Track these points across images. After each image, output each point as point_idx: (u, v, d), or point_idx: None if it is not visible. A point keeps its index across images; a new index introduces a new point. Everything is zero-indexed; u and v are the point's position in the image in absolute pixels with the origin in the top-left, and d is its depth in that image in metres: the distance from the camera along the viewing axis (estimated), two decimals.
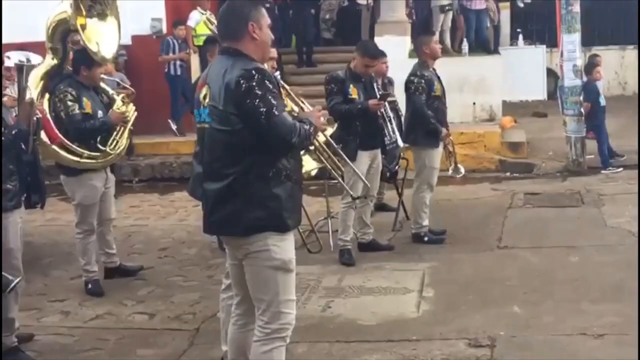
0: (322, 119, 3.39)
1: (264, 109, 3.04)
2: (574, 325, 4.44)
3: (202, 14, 11.32)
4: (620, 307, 4.70)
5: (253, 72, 3.07)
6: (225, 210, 3.18)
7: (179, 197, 9.15)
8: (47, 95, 5.37)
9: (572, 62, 9.44)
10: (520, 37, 15.09)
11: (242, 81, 3.05)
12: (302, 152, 3.48)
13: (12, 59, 4.42)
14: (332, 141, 3.69)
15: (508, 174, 9.68)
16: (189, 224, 7.71)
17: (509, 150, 10.28)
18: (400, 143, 6.57)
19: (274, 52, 5.47)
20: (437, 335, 4.45)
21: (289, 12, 13.29)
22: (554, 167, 9.66)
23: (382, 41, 11.08)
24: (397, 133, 6.62)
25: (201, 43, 11.25)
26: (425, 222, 6.51)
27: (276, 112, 3.06)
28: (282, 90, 3.44)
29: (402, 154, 7.30)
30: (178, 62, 11.10)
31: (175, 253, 6.72)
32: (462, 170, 6.85)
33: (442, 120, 6.48)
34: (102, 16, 5.48)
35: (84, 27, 5.25)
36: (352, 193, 5.02)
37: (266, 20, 3.29)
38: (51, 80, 5.38)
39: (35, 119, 4.32)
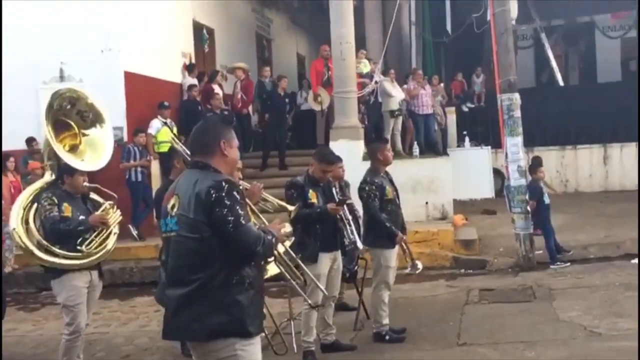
0: (282, 230, 3.61)
1: (232, 218, 3.24)
2: None
3: (163, 122, 11.75)
4: None
5: (223, 183, 3.30)
6: (188, 315, 3.30)
7: (140, 303, 9.18)
8: (35, 206, 5.64)
9: (517, 162, 9.97)
10: (467, 139, 15.69)
11: (212, 191, 3.26)
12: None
13: None
14: (291, 252, 3.93)
15: (462, 270, 9.97)
16: (150, 330, 7.72)
17: (462, 248, 10.62)
18: (360, 245, 6.79)
19: (239, 163, 5.76)
20: None
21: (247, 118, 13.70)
22: (505, 262, 9.99)
23: (337, 145, 11.61)
24: (355, 235, 6.81)
25: (162, 150, 11.62)
26: (385, 321, 6.68)
27: (243, 222, 3.27)
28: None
29: (360, 254, 7.54)
30: (139, 169, 11.32)
31: None
32: (420, 265, 7.06)
33: (396, 222, 6.75)
34: (94, 124, 5.87)
35: (77, 143, 5.71)
36: (310, 302, 5.23)
37: (235, 141, 3.57)
38: (42, 192, 5.71)
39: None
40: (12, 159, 10.82)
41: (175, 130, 11.73)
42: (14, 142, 10.83)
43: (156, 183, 11.93)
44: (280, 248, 3.77)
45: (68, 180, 5.75)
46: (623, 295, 7.70)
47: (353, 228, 6.91)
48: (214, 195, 3.26)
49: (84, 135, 5.83)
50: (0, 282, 4.79)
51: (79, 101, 5.82)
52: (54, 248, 5.54)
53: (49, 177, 5.83)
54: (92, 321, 8.26)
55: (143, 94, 11.93)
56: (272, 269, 4.05)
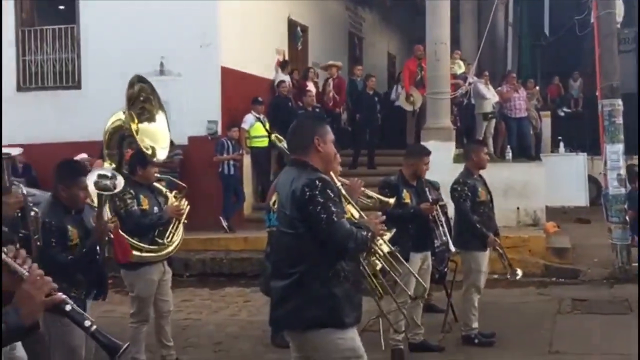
0: (380, 224, 3.66)
1: (325, 216, 3.35)
2: None
3: (257, 117, 11.95)
4: None
5: (317, 181, 3.41)
6: (287, 307, 3.45)
7: (229, 293, 9.39)
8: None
9: (616, 171, 9.66)
10: (562, 144, 15.34)
11: (306, 189, 3.38)
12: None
13: (91, 180, 4.65)
14: (390, 245, 3.95)
15: (553, 279, 9.72)
16: (241, 319, 7.91)
17: (553, 256, 10.35)
18: (452, 247, 6.75)
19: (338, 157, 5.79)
20: None
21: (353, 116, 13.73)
22: (599, 273, 9.67)
23: (427, 146, 11.49)
24: (447, 236, 6.79)
25: (254, 144, 11.85)
26: (475, 325, 6.62)
27: (335, 219, 3.37)
28: (343, 198, 3.72)
29: (450, 256, 7.47)
30: (232, 162, 11.52)
31: (229, 348, 6.89)
32: (520, 272, 6.94)
33: (488, 225, 6.67)
34: (151, 118, 5.86)
35: (137, 131, 5.67)
36: (410, 293, 5.23)
37: (330, 136, 3.66)
38: None
39: (106, 239, 4.66)
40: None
41: (267, 125, 11.92)
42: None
43: (247, 177, 12.19)
44: (381, 244, 3.80)
45: (141, 171, 5.73)
46: None
47: (445, 229, 6.87)
48: (307, 193, 3.38)
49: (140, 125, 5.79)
50: (103, 268, 4.93)
51: (150, 98, 5.84)
52: (134, 241, 5.54)
53: (108, 165, 5.72)
54: (184, 307, 8.62)
55: (238, 89, 12.16)
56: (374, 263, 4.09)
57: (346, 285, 3.46)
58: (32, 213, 4.19)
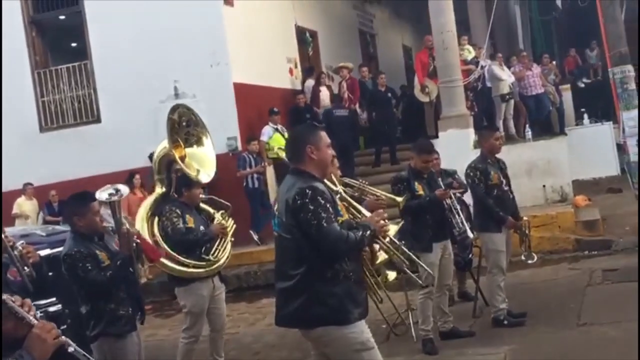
0: (382, 222, 3.80)
1: (315, 222, 3.57)
2: None
3: (274, 128, 12.08)
4: None
5: (307, 190, 3.63)
6: (292, 307, 3.68)
7: (265, 303, 9.48)
8: (156, 219, 6.00)
9: (635, 137, 9.60)
10: (585, 116, 15.14)
11: (297, 198, 3.63)
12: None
13: (102, 195, 4.90)
14: (395, 240, 4.08)
15: (586, 252, 9.67)
16: (278, 328, 7.94)
17: (584, 229, 10.27)
18: (470, 233, 6.79)
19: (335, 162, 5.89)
20: None
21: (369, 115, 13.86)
22: (632, 241, 9.52)
23: (446, 135, 11.57)
24: (466, 224, 6.82)
25: (276, 156, 11.98)
26: (503, 305, 6.65)
27: (325, 225, 3.58)
28: (341, 203, 3.91)
29: (473, 242, 7.51)
30: (255, 175, 11.64)
31: (267, 356, 7.04)
32: (535, 256, 6.99)
33: (504, 207, 6.68)
34: (199, 142, 6.17)
35: (184, 156, 5.97)
36: (420, 282, 5.33)
37: (325, 141, 3.84)
38: (158, 206, 6.05)
39: (134, 244, 4.84)
40: (137, 176, 11.47)
41: (287, 135, 12.04)
42: (139, 161, 11.49)
43: (272, 188, 12.32)
44: (385, 237, 3.91)
45: (186, 192, 6.04)
46: None
47: (462, 217, 6.90)
48: (299, 202, 3.62)
49: (190, 146, 6.11)
50: (138, 291, 5.14)
51: (192, 122, 6.12)
52: (181, 258, 5.84)
53: (159, 190, 6.12)
54: None
55: (253, 103, 12.34)
56: (382, 256, 4.21)
57: (348, 283, 3.66)
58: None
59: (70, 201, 4.92)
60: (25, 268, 4.19)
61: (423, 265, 4.40)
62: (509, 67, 13.45)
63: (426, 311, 6.30)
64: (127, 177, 11.23)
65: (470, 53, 13.47)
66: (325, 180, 3.95)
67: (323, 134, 3.87)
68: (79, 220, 4.76)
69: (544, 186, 11.49)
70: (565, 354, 5.68)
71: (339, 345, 3.65)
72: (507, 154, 7.08)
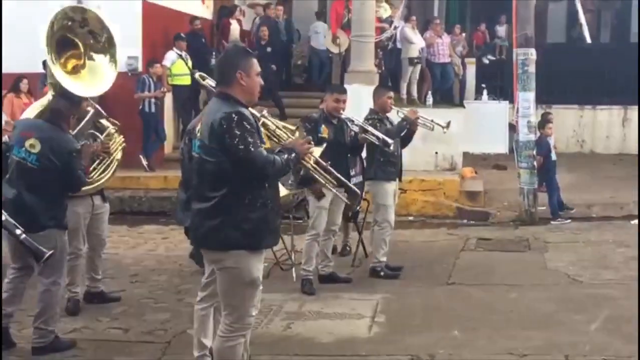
0: (305, 145, 3.91)
1: (242, 147, 3.59)
2: (504, 347, 5.03)
3: (179, 54, 11.84)
4: (547, 334, 5.30)
5: (233, 115, 3.63)
6: (207, 227, 3.72)
7: (147, 230, 9.45)
8: None
9: (527, 118, 10.09)
10: (485, 92, 15.53)
11: (223, 122, 3.62)
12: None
13: None
14: (320, 160, 4.19)
15: (465, 220, 10.18)
16: (158, 254, 8.06)
17: (466, 199, 10.76)
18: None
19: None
20: (384, 352, 4.99)
21: None
22: (508, 216, 10.14)
23: (351, 89, 11.56)
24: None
25: (176, 82, 11.76)
26: (383, 258, 6.97)
27: (252, 149, 3.62)
28: (263, 129, 3.94)
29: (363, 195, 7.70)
30: (153, 100, 11.37)
31: (145, 279, 7.05)
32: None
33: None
34: (100, 53, 5.73)
35: (78, 65, 5.60)
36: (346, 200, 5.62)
37: (255, 69, 3.84)
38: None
39: None
40: (25, 80, 10.84)
41: (190, 63, 11.83)
42: (31, 65, 10.72)
43: (168, 115, 12.13)
44: (310, 159, 4.03)
45: None
46: (614, 251, 7.96)
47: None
48: (224, 126, 3.62)
49: (90, 58, 5.68)
50: None
51: (90, 22, 5.66)
52: None
53: (50, 95, 5.62)
54: None
55: (160, 25, 11.97)
56: (282, 191, 4.36)
57: (264, 210, 3.72)
58: None
59: None
60: None
61: (350, 184, 4.56)
62: (421, 33, 13.72)
63: (310, 252, 6.50)
64: (14, 81, 10.72)
65: (386, 11, 13.59)
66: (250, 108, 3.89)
67: (254, 61, 3.85)
68: None
69: (436, 153, 11.88)
70: (432, 306, 6.10)
71: (238, 275, 3.72)
72: None
